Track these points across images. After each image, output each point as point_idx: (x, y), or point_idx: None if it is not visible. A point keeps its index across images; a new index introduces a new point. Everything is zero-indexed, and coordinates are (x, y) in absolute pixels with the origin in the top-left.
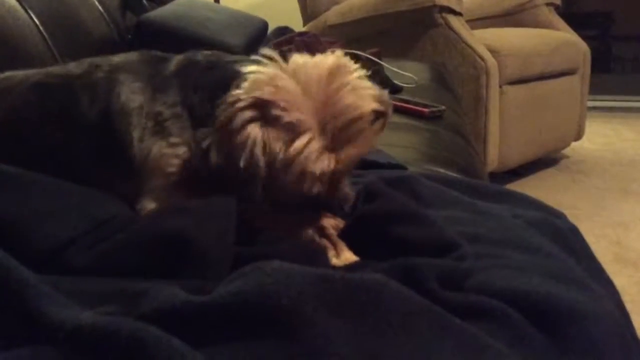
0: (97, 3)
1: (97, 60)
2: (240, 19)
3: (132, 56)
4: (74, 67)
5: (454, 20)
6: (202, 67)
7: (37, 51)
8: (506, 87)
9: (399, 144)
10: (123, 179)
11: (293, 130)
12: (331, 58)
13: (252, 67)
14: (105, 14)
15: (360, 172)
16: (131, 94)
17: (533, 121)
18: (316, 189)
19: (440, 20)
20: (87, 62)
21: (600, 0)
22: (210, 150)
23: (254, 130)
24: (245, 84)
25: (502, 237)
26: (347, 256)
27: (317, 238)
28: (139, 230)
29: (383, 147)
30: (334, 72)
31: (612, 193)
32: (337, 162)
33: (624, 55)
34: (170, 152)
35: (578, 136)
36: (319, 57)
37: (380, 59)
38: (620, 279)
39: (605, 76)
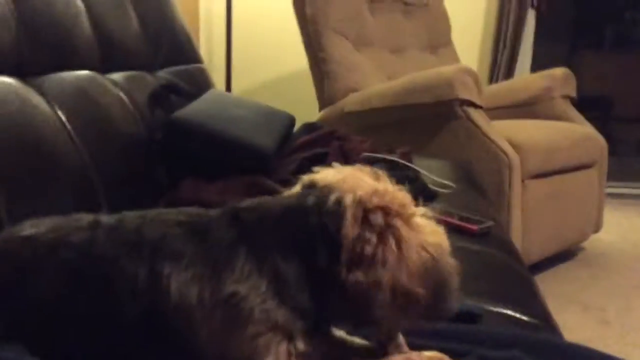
0: (126, 99)
1: (130, 232)
2: (268, 116)
3: (166, 228)
4: (103, 243)
5: (474, 114)
6: (260, 220)
7: (66, 153)
8: (528, 182)
9: None
10: None
11: None
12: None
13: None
14: (134, 111)
15: (448, 346)
16: (185, 288)
17: (554, 215)
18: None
19: (461, 113)
20: (119, 234)
21: (599, 83)
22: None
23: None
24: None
25: None
26: None
27: None
28: None
29: None
30: None
31: (637, 291)
32: None
33: (625, 138)
34: (254, 349)
35: (597, 228)
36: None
37: (410, 160)
38: None
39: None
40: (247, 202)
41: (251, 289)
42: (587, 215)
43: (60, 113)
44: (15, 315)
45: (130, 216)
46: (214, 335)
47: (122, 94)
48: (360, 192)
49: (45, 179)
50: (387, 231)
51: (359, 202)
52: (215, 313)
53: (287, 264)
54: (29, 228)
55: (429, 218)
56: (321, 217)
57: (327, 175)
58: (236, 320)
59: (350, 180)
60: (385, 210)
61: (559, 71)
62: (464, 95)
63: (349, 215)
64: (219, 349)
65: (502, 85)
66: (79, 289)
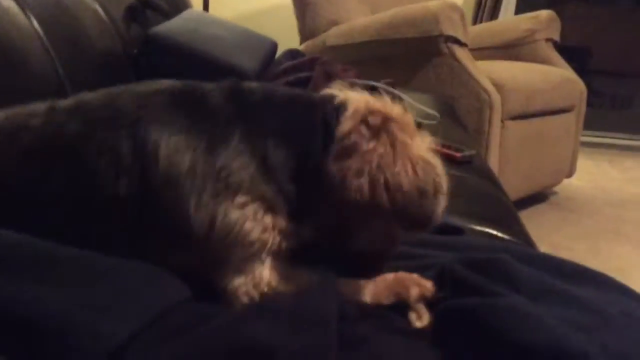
0: (101, 12)
1: (96, 108)
2: (250, 39)
3: (153, 97)
4: (67, 123)
5: (459, 51)
6: (262, 102)
7: (39, 63)
8: (507, 122)
9: None
10: (178, 251)
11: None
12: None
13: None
14: (110, 25)
15: (432, 253)
16: (175, 155)
17: (531, 157)
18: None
19: (446, 50)
20: (84, 112)
21: (579, 34)
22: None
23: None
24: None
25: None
26: (428, 317)
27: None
28: (213, 335)
29: None
30: None
31: (605, 235)
32: None
33: (602, 90)
34: (241, 216)
35: (570, 173)
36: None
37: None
38: None
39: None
40: (252, 83)
41: (242, 166)
42: (561, 160)
43: (32, 19)
44: None
45: (91, 95)
46: (202, 205)
47: (97, 6)
48: (367, 100)
49: (17, 88)
50: (382, 130)
51: (364, 106)
52: (206, 184)
53: (277, 151)
54: None
55: (429, 148)
56: (325, 110)
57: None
58: (225, 190)
59: (363, 96)
60: (387, 117)
61: (544, 14)
62: (449, 31)
63: (350, 111)
64: (207, 218)
65: (486, 26)
66: (45, 172)
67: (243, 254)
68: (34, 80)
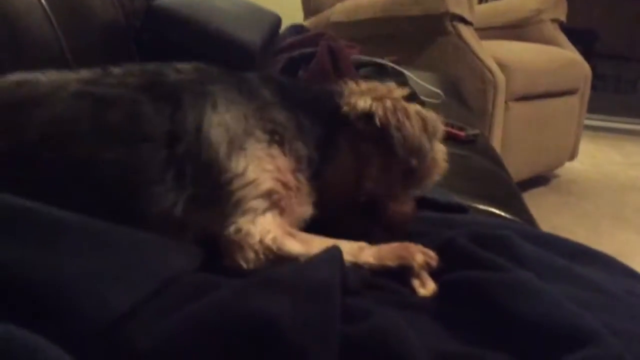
0: None
1: (153, 69)
2: (255, 13)
3: (200, 70)
4: (125, 76)
5: (464, 30)
6: (290, 84)
7: (41, 31)
8: (511, 103)
9: None
10: (204, 204)
11: None
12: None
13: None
14: None
15: (436, 230)
16: (232, 104)
17: (533, 139)
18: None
19: (451, 29)
20: (140, 70)
21: (585, 17)
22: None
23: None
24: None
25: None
26: (433, 286)
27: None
28: (215, 305)
29: None
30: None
31: (606, 219)
32: None
33: (606, 73)
34: (271, 167)
35: (572, 156)
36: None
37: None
38: None
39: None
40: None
41: (286, 122)
42: (564, 143)
43: None
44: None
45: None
46: (243, 148)
47: None
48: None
49: (19, 54)
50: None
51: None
52: (253, 131)
53: (306, 120)
54: (18, 75)
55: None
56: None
57: None
58: (268, 141)
59: None
60: (375, 86)
61: None
62: (455, 9)
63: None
64: (243, 163)
65: (492, 5)
66: (97, 109)
67: (258, 204)
68: (36, 50)
